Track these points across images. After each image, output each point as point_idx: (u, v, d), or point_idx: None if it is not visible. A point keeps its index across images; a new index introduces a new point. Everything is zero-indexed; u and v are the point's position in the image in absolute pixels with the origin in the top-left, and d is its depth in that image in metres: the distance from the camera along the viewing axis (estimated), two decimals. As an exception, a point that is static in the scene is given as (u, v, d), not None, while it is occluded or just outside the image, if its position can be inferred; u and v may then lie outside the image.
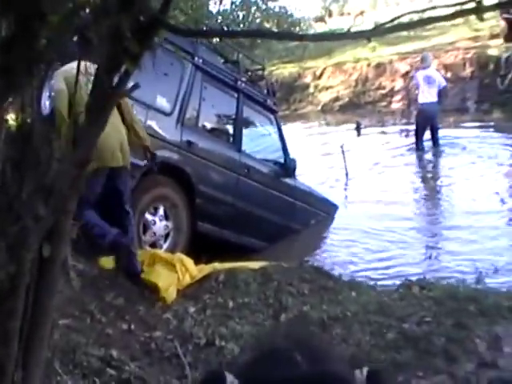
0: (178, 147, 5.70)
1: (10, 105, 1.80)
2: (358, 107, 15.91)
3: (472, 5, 1.47)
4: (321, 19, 23.13)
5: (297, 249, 7.13)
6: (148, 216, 5.44)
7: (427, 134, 10.81)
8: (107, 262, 4.72)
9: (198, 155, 5.90)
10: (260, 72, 7.46)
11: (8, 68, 1.61)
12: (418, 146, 10.77)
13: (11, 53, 1.60)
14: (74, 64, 3.49)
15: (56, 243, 1.81)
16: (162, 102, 5.66)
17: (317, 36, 3.90)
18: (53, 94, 4.65)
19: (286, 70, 17.79)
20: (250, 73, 7.29)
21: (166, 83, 5.57)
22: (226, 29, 14.29)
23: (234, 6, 16.47)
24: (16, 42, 1.59)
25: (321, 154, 11.53)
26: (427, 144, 10.89)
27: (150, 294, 4.48)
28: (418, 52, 14.01)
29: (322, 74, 17.14)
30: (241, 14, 16.50)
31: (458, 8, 1.52)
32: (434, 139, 10.80)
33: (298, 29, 18.07)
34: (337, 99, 16.55)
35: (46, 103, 5.00)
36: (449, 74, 14.07)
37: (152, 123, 5.48)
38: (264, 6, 17.29)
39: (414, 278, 5.09)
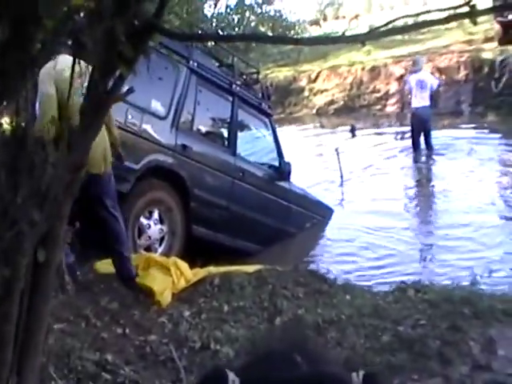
0: (172, 151, 5.69)
1: (4, 109, 1.80)
2: (353, 110, 15.97)
3: (466, 9, 1.48)
4: (316, 23, 23.25)
5: (291, 252, 7.14)
6: (143, 220, 5.43)
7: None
8: (102, 266, 4.71)
9: (192, 159, 5.89)
10: (255, 75, 7.47)
11: (2, 72, 1.61)
12: (415, 148, 10.91)
13: (6, 56, 1.60)
14: (60, 59, 3.45)
15: (51, 248, 1.80)
16: (157, 106, 5.66)
17: (312, 40, 3.93)
18: (40, 97, 4.17)
19: (281, 74, 17.83)
20: (244, 76, 7.30)
21: (161, 87, 5.56)
22: (220, 32, 14.28)
23: (228, 10, 16.46)
24: (11, 45, 1.58)
25: (315, 156, 11.56)
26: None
27: (144, 298, 4.47)
28: (413, 55, 14.06)
29: (316, 78, 17.19)
30: (236, 18, 16.49)
31: (452, 12, 1.53)
32: (427, 142, 10.90)
33: (292, 32, 18.07)
34: (332, 102, 16.60)
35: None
36: (443, 78, 14.14)
37: (147, 127, 5.48)
38: (259, 10, 17.28)
39: (408, 278, 5.11)
